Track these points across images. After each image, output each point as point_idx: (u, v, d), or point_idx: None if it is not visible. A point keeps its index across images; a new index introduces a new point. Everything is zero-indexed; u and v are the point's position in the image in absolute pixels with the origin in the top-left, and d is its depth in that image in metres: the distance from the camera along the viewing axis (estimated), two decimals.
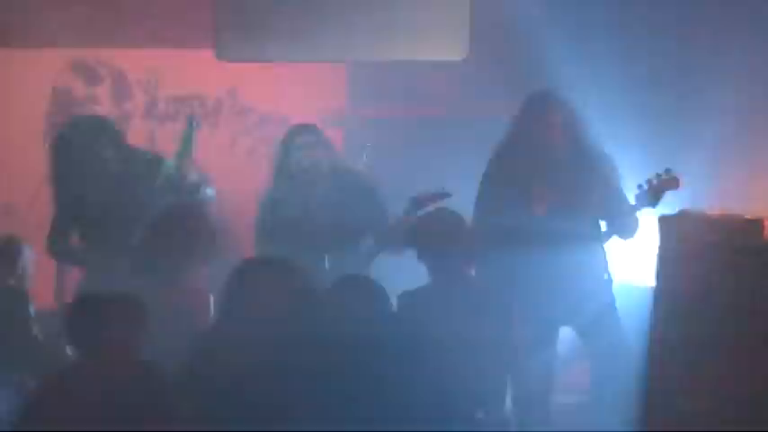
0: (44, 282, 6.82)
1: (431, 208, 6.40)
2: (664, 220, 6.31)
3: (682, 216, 6.29)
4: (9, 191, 7.79)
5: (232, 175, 7.40)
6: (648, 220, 5.81)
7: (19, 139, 7.83)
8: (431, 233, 5.17)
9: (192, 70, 7.85)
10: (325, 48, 7.14)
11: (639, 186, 5.53)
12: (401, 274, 6.45)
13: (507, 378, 5.08)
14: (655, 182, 5.48)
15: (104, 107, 7.88)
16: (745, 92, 7.12)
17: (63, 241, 5.76)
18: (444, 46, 7.11)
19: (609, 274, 5.59)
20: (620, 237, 5.64)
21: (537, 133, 5.56)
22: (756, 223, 5.98)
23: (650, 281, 6.49)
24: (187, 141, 5.66)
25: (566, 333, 5.66)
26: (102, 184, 5.63)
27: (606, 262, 5.58)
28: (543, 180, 5.55)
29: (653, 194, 5.48)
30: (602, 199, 5.52)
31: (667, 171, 5.50)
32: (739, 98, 7.12)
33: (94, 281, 5.55)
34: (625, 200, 5.59)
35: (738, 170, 7.08)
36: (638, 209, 5.52)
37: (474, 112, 7.63)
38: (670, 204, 5.93)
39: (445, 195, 5.91)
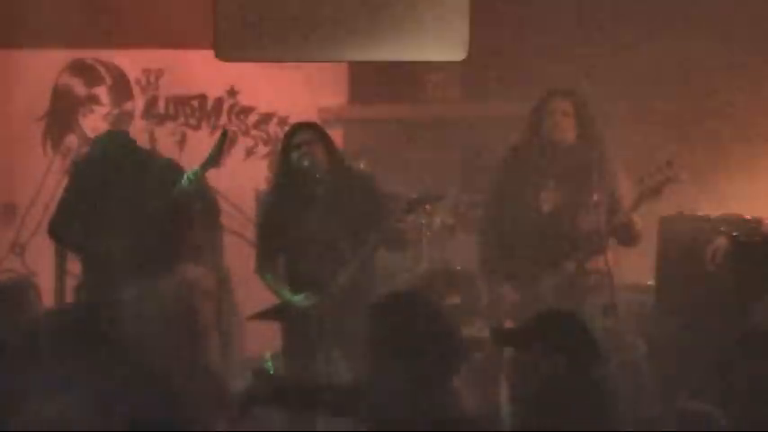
0: (44, 281, 6.82)
1: (428, 207, 6.43)
2: (664, 221, 6.33)
3: (682, 216, 6.31)
4: (9, 191, 7.79)
5: (232, 175, 7.41)
6: (648, 221, 5.82)
7: (19, 139, 7.83)
8: None
9: (192, 70, 7.85)
10: (326, 48, 7.14)
11: (641, 180, 5.55)
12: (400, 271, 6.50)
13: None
14: (656, 174, 5.48)
15: (104, 107, 7.88)
16: (746, 91, 7.12)
17: (68, 226, 5.80)
18: (444, 46, 7.10)
19: (610, 273, 5.59)
20: (621, 238, 5.65)
21: (546, 122, 5.57)
22: (756, 223, 5.99)
23: (650, 281, 6.52)
24: (217, 151, 5.71)
25: None
26: (117, 181, 5.69)
27: (607, 261, 5.59)
28: (551, 178, 5.57)
29: (654, 186, 5.49)
30: (604, 197, 5.53)
31: (668, 164, 5.51)
32: (740, 98, 7.13)
33: (93, 271, 5.60)
34: (624, 200, 5.61)
35: (738, 170, 7.09)
36: (640, 202, 5.53)
37: (474, 113, 7.63)
38: (670, 205, 5.94)
39: (441, 197, 5.91)
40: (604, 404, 3.36)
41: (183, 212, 5.74)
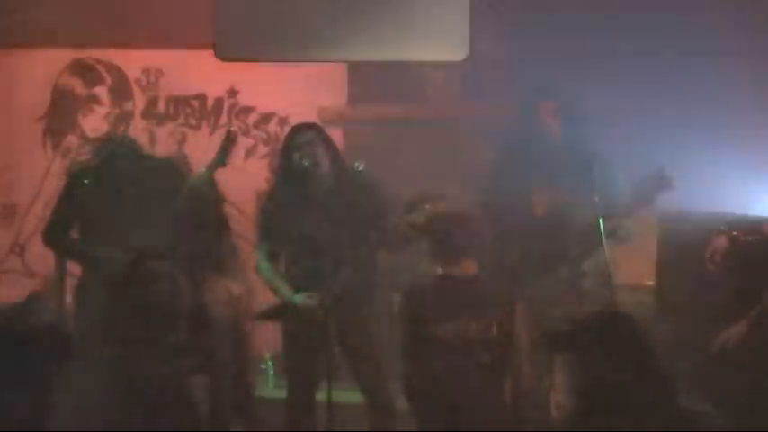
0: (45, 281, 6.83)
1: (427, 208, 6.42)
2: (664, 221, 6.34)
3: (682, 216, 6.31)
4: (9, 191, 7.80)
5: (232, 175, 7.41)
6: (648, 221, 5.82)
7: (19, 139, 7.84)
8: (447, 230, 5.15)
9: (192, 70, 7.85)
10: (326, 48, 7.14)
11: (635, 188, 5.55)
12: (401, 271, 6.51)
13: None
14: (649, 182, 5.48)
15: (104, 107, 7.89)
16: (746, 91, 7.12)
17: (63, 234, 5.79)
18: (444, 46, 7.10)
19: (609, 273, 5.60)
20: (617, 238, 5.65)
21: (533, 121, 5.57)
22: (756, 223, 6.00)
23: (650, 281, 6.52)
24: (223, 152, 5.70)
25: None
26: (117, 183, 5.69)
27: (605, 261, 5.59)
28: (542, 180, 5.56)
29: (648, 195, 5.49)
30: (600, 198, 5.52)
31: (660, 171, 5.50)
32: (739, 97, 7.13)
33: (93, 276, 5.59)
34: (621, 201, 5.61)
35: (738, 170, 7.09)
36: (635, 210, 5.52)
37: (474, 112, 7.63)
38: (670, 204, 5.94)
39: (441, 196, 5.91)
40: (654, 403, 3.36)
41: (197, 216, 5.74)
